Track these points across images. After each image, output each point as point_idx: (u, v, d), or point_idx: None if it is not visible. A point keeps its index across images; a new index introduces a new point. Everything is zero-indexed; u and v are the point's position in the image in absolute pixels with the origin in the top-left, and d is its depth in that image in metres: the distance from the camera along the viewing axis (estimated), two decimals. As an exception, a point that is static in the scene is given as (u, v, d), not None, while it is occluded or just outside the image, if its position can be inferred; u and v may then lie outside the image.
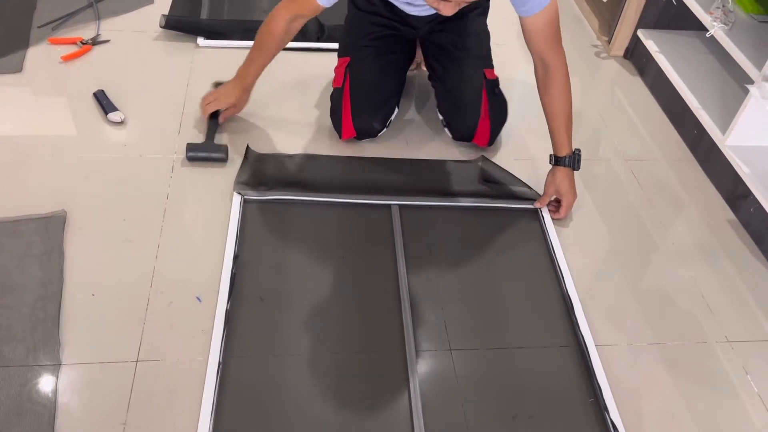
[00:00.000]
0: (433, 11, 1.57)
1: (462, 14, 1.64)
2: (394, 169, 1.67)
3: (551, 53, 1.50)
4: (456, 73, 1.71)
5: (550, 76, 1.52)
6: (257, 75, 1.66)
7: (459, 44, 1.71)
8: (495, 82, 1.73)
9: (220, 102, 1.67)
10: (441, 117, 1.77)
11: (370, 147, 1.74)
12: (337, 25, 2.08)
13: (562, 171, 1.57)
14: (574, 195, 1.59)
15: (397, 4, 1.62)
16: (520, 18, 1.47)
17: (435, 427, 1.18)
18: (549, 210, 1.61)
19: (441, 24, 1.69)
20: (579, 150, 1.57)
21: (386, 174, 1.64)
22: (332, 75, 1.78)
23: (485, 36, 1.78)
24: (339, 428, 1.16)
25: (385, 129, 1.75)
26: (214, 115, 1.68)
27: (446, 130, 1.77)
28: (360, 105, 1.68)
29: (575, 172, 1.58)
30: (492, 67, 1.75)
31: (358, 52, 1.70)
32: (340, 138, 1.73)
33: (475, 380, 1.26)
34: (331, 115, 1.74)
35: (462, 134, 1.74)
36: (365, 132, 1.72)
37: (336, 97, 1.71)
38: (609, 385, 1.27)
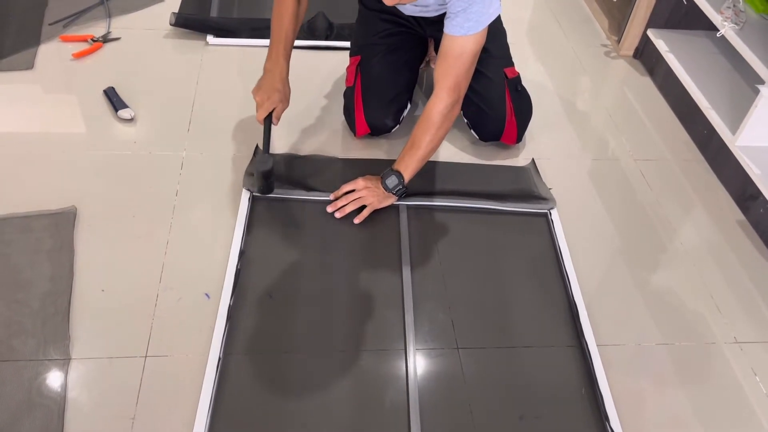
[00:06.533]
0: (425, 12, 1.56)
1: None
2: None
3: (446, 87, 1.44)
4: (476, 75, 1.66)
5: (429, 104, 1.47)
6: (287, 57, 1.55)
7: None
8: (517, 79, 1.72)
9: (268, 103, 1.52)
10: (465, 120, 1.76)
11: (380, 146, 1.74)
12: (346, 24, 2.09)
13: (377, 179, 1.53)
14: (365, 192, 1.50)
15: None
16: (443, 34, 1.42)
17: (440, 426, 1.18)
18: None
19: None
20: (404, 187, 1.51)
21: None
22: (342, 73, 1.78)
23: (500, 34, 1.75)
24: (338, 424, 1.17)
25: (398, 125, 1.75)
26: (268, 119, 1.54)
27: (472, 131, 1.76)
28: (371, 101, 1.68)
29: (391, 195, 1.52)
30: (512, 64, 1.74)
31: (368, 49, 1.70)
32: (355, 136, 1.73)
33: (482, 379, 1.26)
34: (345, 114, 1.74)
35: (489, 136, 1.72)
36: (378, 128, 1.72)
37: (348, 95, 1.71)
38: (614, 389, 1.26)
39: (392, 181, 1.50)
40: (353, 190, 1.52)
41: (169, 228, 1.46)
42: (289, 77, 1.57)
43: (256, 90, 1.55)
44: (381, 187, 1.51)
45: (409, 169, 1.51)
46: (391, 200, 1.53)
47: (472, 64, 1.46)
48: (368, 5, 1.72)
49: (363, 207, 1.52)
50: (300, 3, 1.56)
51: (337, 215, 1.51)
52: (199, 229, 1.47)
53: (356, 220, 1.51)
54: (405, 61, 1.74)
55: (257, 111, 1.53)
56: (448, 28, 1.41)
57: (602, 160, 1.80)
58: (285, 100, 1.56)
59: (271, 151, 1.64)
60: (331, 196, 1.54)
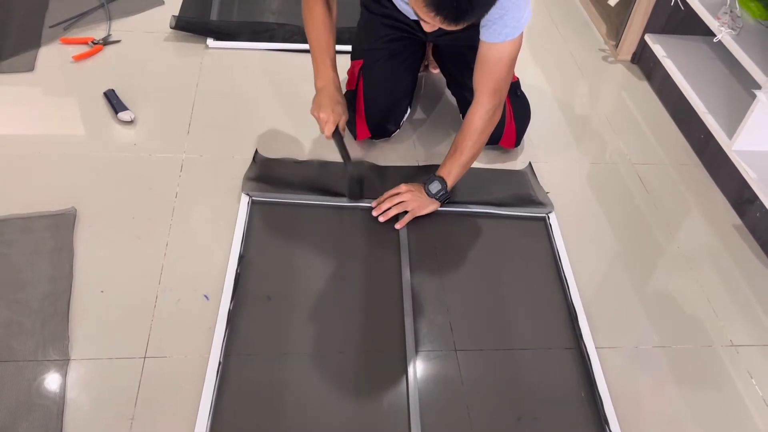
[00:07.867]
0: None
1: (472, 24, 1.64)
2: (401, 174, 1.66)
3: (486, 92, 1.45)
4: None
5: (471, 110, 1.48)
6: (335, 68, 1.55)
7: (475, 50, 1.70)
8: (516, 84, 1.73)
9: (333, 116, 1.50)
10: None
11: (379, 149, 1.75)
12: (345, 27, 2.10)
13: (420, 185, 1.53)
14: (408, 196, 1.51)
15: (397, 4, 1.61)
16: (480, 41, 1.43)
17: (437, 428, 1.18)
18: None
19: (451, 32, 1.67)
20: (447, 192, 1.51)
21: (393, 180, 1.63)
22: (342, 76, 1.78)
23: None
24: (338, 426, 1.17)
25: (398, 129, 1.76)
26: (337, 132, 1.53)
27: None
28: (373, 107, 1.69)
29: (434, 201, 1.52)
30: None
31: (370, 54, 1.71)
32: (355, 139, 1.74)
33: (480, 381, 1.26)
34: None
35: (488, 139, 1.73)
36: (379, 133, 1.73)
37: (349, 99, 1.71)
38: (612, 391, 1.27)
39: (435, 186, 1.51)
40: (397, 194, 1.53)
41: (168, 229, 1.46)
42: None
43: (317, 108, 1.51)
44: (424, 193, 1.52)
45: (451, 174, 1.51)
46: (435, 206, 1.53)
47: (511, 68, 1.46)
48: (371, 9, 1.73)
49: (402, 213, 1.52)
50: (330, 10, 1.54)
51: (381, 219, 1.52)
52: (199, 230, 1.47)
53: (398, 226, 1.51)
54: (407, 66, 1.74)
55: (323, 128, 1.50)
56: (486, 36, 1.41)
57: (600, 164, 1.80)
58: (346, 111, 1.55)
59: (274, 156, 1.65)
60: (374, 203, 1.54)
